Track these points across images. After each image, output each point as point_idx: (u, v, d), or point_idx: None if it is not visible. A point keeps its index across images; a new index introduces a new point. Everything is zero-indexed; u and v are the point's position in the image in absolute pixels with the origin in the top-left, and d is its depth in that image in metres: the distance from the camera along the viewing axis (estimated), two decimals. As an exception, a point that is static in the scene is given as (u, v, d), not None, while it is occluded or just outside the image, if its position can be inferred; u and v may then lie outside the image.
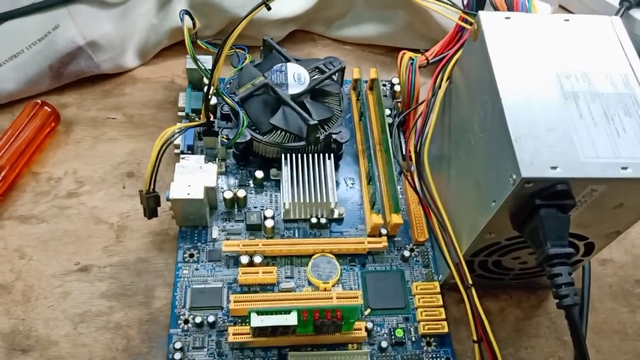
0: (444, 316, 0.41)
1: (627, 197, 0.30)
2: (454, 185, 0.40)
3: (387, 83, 0.55)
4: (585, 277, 0.44)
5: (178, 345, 0.38)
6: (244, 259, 0.42)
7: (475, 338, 0.36)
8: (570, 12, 0.63)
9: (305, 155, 0.47)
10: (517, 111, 0.29)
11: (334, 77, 0.50)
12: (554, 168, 0.28)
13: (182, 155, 0.44)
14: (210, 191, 0.44)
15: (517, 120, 0.29)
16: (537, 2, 0.46)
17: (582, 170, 0.26)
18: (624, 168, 0.28)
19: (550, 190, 0.28)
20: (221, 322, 0.40)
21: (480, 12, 0.35)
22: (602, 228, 0.34)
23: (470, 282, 0.36)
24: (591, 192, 0.29)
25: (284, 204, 0.45)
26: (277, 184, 0.48)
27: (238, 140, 0.45)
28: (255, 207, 0.46)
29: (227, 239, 0.44)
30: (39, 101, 0.49)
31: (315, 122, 0.44)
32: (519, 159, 0.28)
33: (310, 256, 0.43)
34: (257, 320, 0.36)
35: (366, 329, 0.40)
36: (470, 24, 0.40)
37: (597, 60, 0.32)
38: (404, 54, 0.49)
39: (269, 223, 0.44)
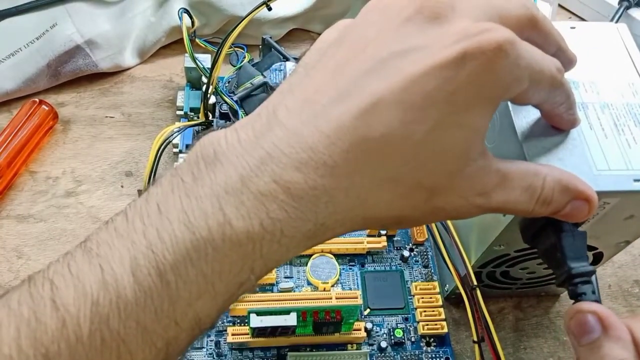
0: (443, 316, 0.41)
1: (638, 208, 0.30)
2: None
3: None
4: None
5: (177, 345, 0.38)
6: (243, 259, 0.42)
7: (475, 339, 0.36)
8: (569, 11, 0.63)
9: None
10: (527, 123, 0.28)
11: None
12: None
13: (180, 155, 0.44)
14: (209, 191, 0.43)
15: (528, 132, 0.28)
16: (537, 2, 0.47)
17: (594, 183, 0.26)
18: (637, 180, 0.27)
19: None
20: (220, 322, 0.40)
21: None
22: (611, 239, 0.34)
23: (475, 283, 0.36)
24: (603, 205, 0.28)
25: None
26: (276, 183, 0.48)
27: (237, 140, 0.45)
28: (254, 207, 0.46)
29: (226, 239, 0.44)
30: (36, 100, 0.49)
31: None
32: None
33: (309, 256, 0.43)
34: (256, 321, 0.35)
35: (365, 329, 0.40)
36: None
37: (604, 68, 0.32)
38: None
39: (268, 223, 0.44)
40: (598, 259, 0.36)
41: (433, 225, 0.41)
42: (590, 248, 0.34)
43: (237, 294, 0.21)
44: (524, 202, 0.24)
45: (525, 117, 0.29)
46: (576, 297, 0.26)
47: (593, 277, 0.26)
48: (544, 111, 0.27)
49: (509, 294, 0.43)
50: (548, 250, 0.27)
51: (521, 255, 0.35)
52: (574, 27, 0.34)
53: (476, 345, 0.36)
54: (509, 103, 0.30)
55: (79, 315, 0.19)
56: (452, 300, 0.43)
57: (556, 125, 0.28)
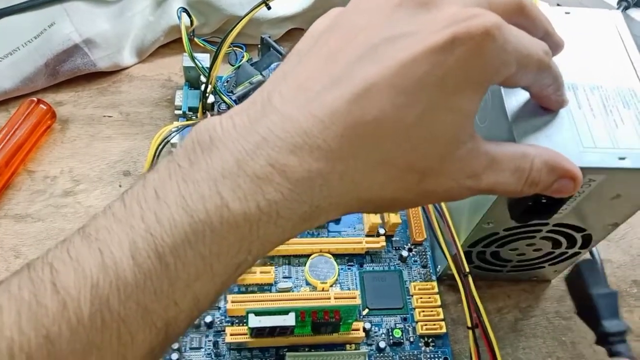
0: (442, 316, 0.41)
1: (624, 187, 0.30)
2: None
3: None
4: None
5: (175, 345, 0.38)
6: (242, 259, 0.42)
7: (469, 324, 0.36)
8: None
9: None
10: (517, 102, 0.29)
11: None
12: None
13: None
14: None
15: (517, 111, 0.29)
16: (537, 1, 0.46)
17: (580, 159, 0.26)
18: (622, 158, 0.28)
19: None
20: (218, 322, 0.40)
21: None
22: (599, 219, 0.34)
23: (467, 270, 0.36)
24: (589, 182, 0.29)
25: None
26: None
27: (236, 139, 0.45)
28: (252, 207, 0.46)
29: (225, 239, 0.44)
30: (34, 99, 0.49)
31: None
32: None
33: (308, 256, 0.43)
34: (254, 321, 0.35)
35: (364, 329, 0.39)
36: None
37: (597, 52, 0.32)
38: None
39: (266, 222, 0.44)
40: (587, 241, 0.36)
41: (431, 213, 0.41)
42: (578, 229, 0.35)
43: (235, 275, 0.21)
44: (513, 184, 0.24)
45: (515, 96, 0.29)
46: (612, 355, 0.27)
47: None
48: (532, 93, 0.28)
49: (501, 277, 0.43)
50: (584, 308, 0.30)
51: (510, 234, 0.35)
52: (568, 12, 0.35)
53: (470, 331, 0.36)
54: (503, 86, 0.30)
55: (79, 297, 0.19)
56: (444, 281, 0.43)
57: (545, 105, 0.29)
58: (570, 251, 0.38)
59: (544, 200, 0.28)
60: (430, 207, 0.40)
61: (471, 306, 0.36)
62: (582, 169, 0.25)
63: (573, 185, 0.25)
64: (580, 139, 0.28)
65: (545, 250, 0.38)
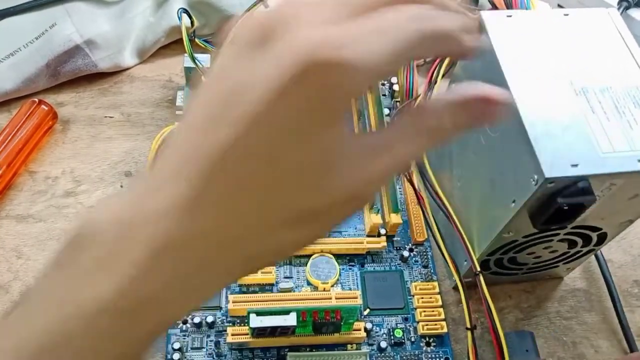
0: (443, 316, 0.41)
1: None
2: (462, 184, 0.40)
3: (385, 82, 0.55)
4: (603, 269, 0.44)
5: (177, 345, 0.38)
6: (243, 259, 0.42)
7: (468, 325, 0.36)
8: (569, 11, 0.63)
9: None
10: (532, 110, 0.29)
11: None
12: (574, 166, 0.28)
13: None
14: (209, 191, 0.43)
15: (533, 119, 0.29)
16: (535, 1, 0.47)
17: (602, 166, 0.26)
18: None
19: (571, 187, 0.28)
20: (220, 322, 0.40)
21: (482, 12, 0.35)
22: (616, 218, 0.34)
23: (479, 269, 0.36)
24: (610, 186, 0.29)
25: (283, 203, 0.44)
26: (276, 183, 0.48)
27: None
28: (253, 207, 0.46)
29: (226, 239, 0.44)
30: (36, 100, 0.49)
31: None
32: (541, 160, 0.28)
33: (309, 256, 0.43)
34: (256, 321, 0.35)
35: (365, 329, 0.40)
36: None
37: (600, 52, 0.32)
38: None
39: (267, 223, 0.44)
40: (602, 239, 0.37)
41: (432, 220, 0.41)
42: (595, 229, 0.35)
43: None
44: (421, 144, 0.21)
45: (529, 104, 0.29)
46: None
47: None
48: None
49: (516, 279, 0.43)
50: None
51: (529, 240, 0.35)
52: (567, 14, 0.34)
53: (469, 332, 0.36)
54: (512, 90, 0.30)
55: None
56: (444, 281, 0.44)
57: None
58: (585, 249, 0.38)
59: (566, 207, 0.28)
60: (434, 225, 0.41)
61: (470, 308, 0.36)
62: (604, 175, 0.25)
63: (489, 108, 0.21)
64: (598, 144, 0.28)
65: (561, 251, 0.38)
